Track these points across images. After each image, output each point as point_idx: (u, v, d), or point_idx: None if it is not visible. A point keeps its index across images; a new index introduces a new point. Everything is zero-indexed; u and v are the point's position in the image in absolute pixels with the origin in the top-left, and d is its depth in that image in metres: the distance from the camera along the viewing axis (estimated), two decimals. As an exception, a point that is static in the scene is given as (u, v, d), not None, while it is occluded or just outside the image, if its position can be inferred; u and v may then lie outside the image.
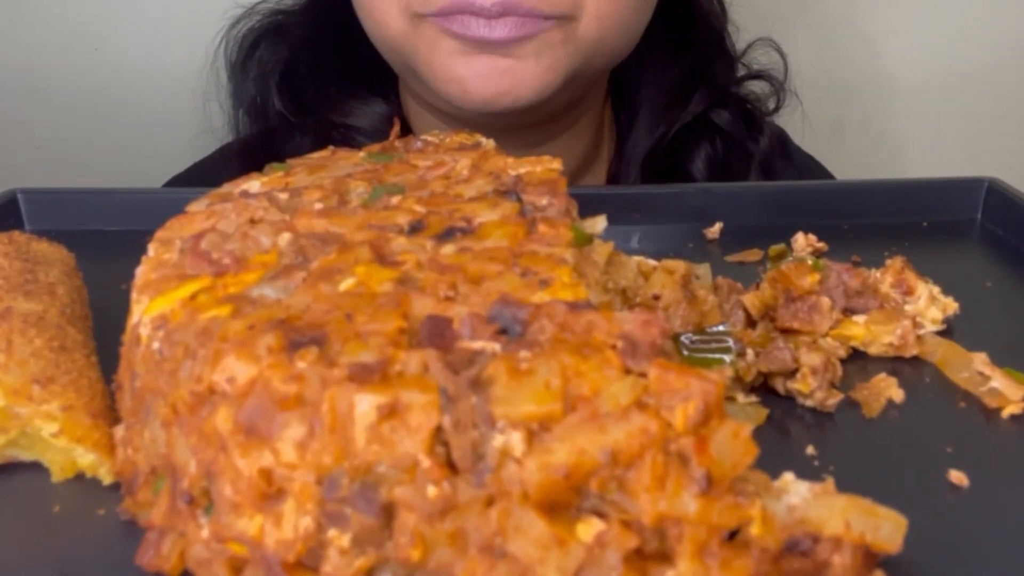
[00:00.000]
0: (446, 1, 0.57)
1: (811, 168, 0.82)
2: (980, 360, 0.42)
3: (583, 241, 0.39)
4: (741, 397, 0.41)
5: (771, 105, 0.79)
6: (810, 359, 0.41)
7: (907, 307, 0.46)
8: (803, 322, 0.44)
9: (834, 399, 0.40)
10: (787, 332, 0.44)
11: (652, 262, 0.46)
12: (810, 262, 0.46)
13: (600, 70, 0.67)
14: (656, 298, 0.43)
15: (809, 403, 0.41)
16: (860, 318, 0.45)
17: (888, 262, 0.47)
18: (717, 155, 0.75)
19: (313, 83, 0.74)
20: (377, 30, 0.63)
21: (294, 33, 0.75)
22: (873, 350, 0.44)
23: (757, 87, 0.79)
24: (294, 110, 0.73)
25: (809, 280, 0.44)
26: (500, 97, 0.59)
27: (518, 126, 0.66)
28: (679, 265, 0.45)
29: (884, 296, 0.46)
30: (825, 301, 0.44)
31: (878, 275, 0.47)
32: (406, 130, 0.73)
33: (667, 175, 0.73)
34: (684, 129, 0.74)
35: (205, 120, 0.81)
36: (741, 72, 0.79)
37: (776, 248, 0.53)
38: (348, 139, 0.71)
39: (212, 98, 0.80)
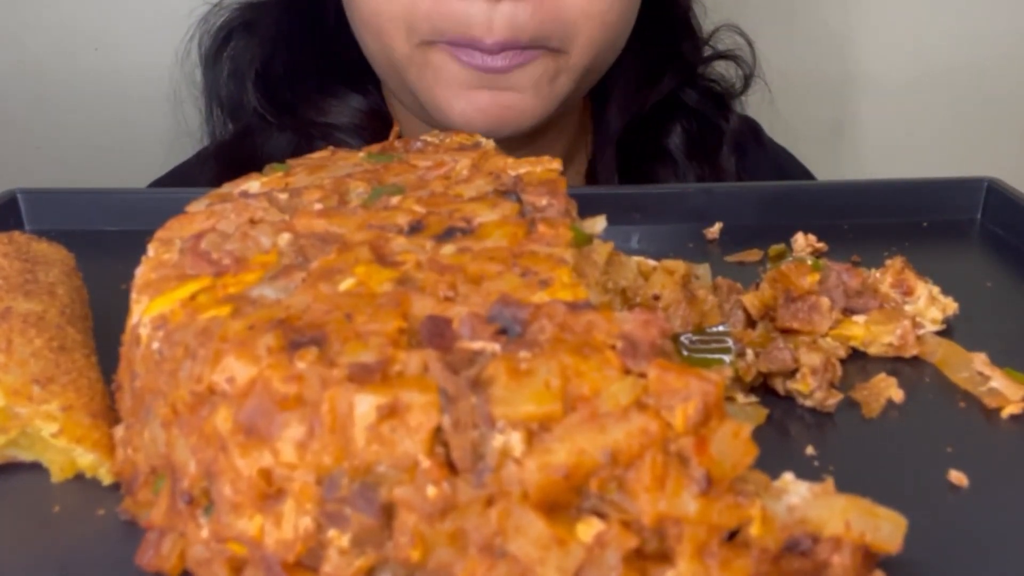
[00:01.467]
0: (452, 35, 0.59)
1: (785, 158, 0.84)
2: (980, 360, 0.42)
3: (583, 241, 0.39)
4: (741, 397, 0.41)
5: (739, 87, 0.81)
6: (810, 359, 0.41)
7: (907, 307, 0.46)
8: (803, 322, 0.44)
9: (834, 399, 0.40)
10: (787, 332, 0.44)
11: (652, 262, 0.46)
12: (810, 262, 0.46)
13: (589, 87, 0.69)
14: (656, 298, 0.43)
15: (809, 403, 0.41)
16: (860, 318, 0.45)
17: (888, 262, 0.47)
18: (692, 131, 0.76)
19: (289, 81, 0.74)
20: (382, 53, 0.64)
21: (267, 28, 0.75)
22: (873, 350, 0.44)
23: (724, 70, 0.81)
24: (271, 109, 0.74)
25: (809, 280, 0.44)
26: (501, 127, 0.61)
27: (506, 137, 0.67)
28: (679, 265, 0.45)
29: (884, 296, 0.46)
30: (825, 301, 0.44)
31: (878, 275, 0.47)
32: (389, 124, 0.73)
33: (644, 155, 0.75)
34: (657, 110, 0.75)
35: (182, 122, 0.81)
36: (708, 53, 0.80)
37: (776, 248, 0.53)
38: (327, 136, 0.72)
39: (185, 99, 0.80)
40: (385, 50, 0.63)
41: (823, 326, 0.44)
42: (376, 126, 0.73)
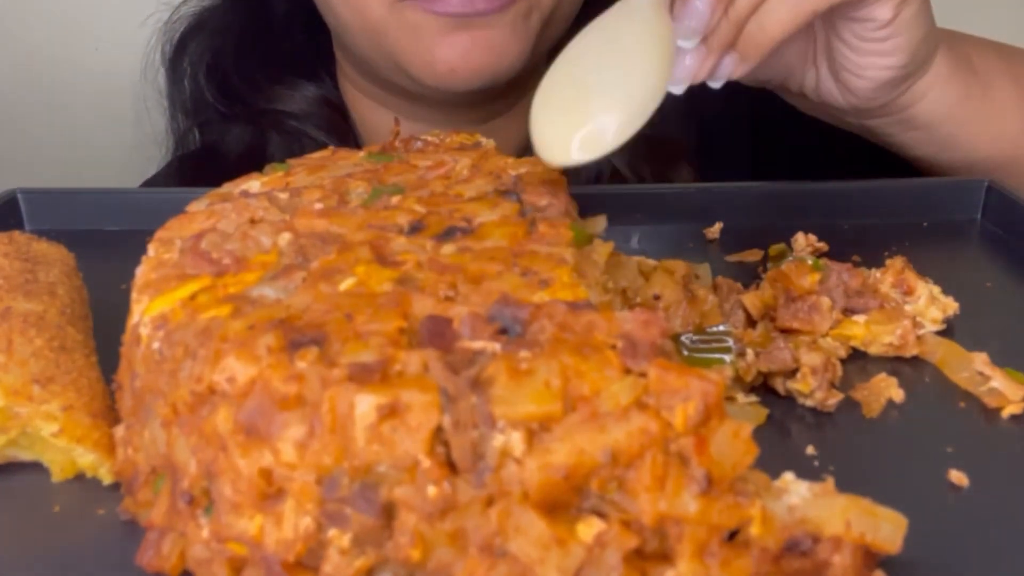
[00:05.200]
0: None
1: None
2: (980, 360, 0.42)
3: (583, 241, 0.39)
4: (741, 397, 0.41)
5: None
6: (810, 359, 0.41)
7: (907, 307, 0.46)
8: (803, 322, 0.44)
9: (834, 399, 0.40)
10: (787, 332, 0.44)
11: (652, 262, 0.46)
12: (810, 262, 0.46)
13: (556, 36, 0.70)
14: (656, 298, 0.43)
15: (809, 403, 0.41)
16: (860, 318, 0.45)
17: (888, 262, 0.47)
18: None
19: (238, 71, 0.75)
20: (355, 18, 0.65)
21: (216, 23, 0.77)
22: (873, 350, 0.44)
23: None
24: (223, 100, 0.75)
25: (809, 280, 0.44)
26: (484, 69, 0.62)
27: (471, 103, 0.69)
28: (679, 265, 0.45)
29: (884, 296, 0.46)
30: (825, 301, 0.44)
31: (878, 275, 0.47)
32: (343, 114, 0.75)
33: None
34: None
35: (149, 130, 0.81)
36: None
37: (776, 248, 0.53)
38: (280, 125, 0.73)
39: (154, 106, 0.81)
40: (359, 16, 0.64)
41: (823, 326, 0.44)
42: (329, 114, 0.73)
